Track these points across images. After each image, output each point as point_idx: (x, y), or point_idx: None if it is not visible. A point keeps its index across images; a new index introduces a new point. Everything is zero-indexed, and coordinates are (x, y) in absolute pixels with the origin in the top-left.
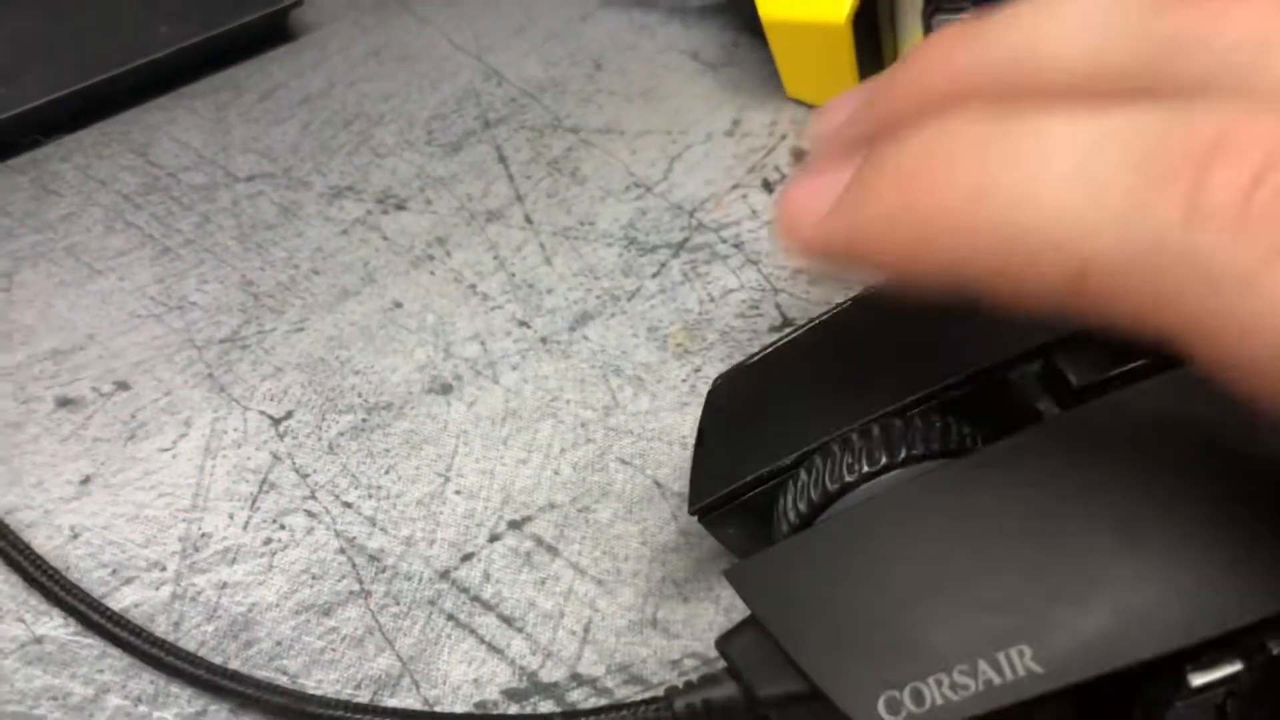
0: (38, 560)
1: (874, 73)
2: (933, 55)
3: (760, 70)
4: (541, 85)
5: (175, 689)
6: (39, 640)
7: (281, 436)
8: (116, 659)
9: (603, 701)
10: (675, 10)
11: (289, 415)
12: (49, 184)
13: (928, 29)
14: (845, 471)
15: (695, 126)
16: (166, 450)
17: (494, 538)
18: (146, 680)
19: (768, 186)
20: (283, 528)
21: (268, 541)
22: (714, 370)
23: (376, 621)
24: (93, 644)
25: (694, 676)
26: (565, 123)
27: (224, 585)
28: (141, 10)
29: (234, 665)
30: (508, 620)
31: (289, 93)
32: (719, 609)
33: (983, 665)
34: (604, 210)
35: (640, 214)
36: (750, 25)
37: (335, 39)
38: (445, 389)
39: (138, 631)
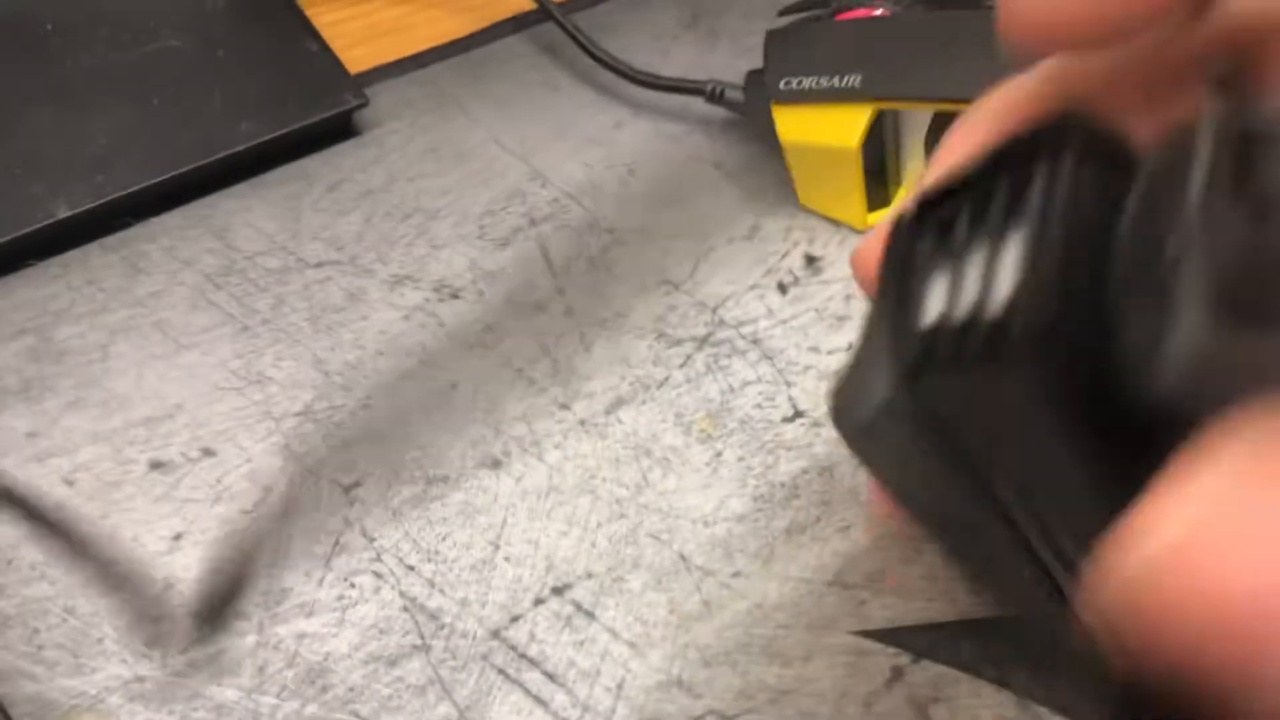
0: None
1: (880, 189)
2: None
3: (776, 180)
4: (581, 188)
5: None
6: (140, 679)
7: (351, 503)
8: (208, 699)
9: None
10: (700, 122)
11: (357, 484)
12: (138, 263)
13: (930, 154)
14: None
15: (718, 230)
16: (248, 512)
17: (539, 601)
18: (235, 718)
19: (782, 289)
20: (353, 586)
21: (340, 598)
22: (734, 455)
23: (437, 674)
24: (188, 685)
25: None
26: (602, 223)
27: (302, 635)
28: (223, 107)
29: (311, 709)
30: (551, 676)
31: (353, 185)
32: (736, 672)
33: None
34: (637, 305)
35: (669, 309)
36: (768, 139)
37: (395, 137)
38: (495, 464)
39: None
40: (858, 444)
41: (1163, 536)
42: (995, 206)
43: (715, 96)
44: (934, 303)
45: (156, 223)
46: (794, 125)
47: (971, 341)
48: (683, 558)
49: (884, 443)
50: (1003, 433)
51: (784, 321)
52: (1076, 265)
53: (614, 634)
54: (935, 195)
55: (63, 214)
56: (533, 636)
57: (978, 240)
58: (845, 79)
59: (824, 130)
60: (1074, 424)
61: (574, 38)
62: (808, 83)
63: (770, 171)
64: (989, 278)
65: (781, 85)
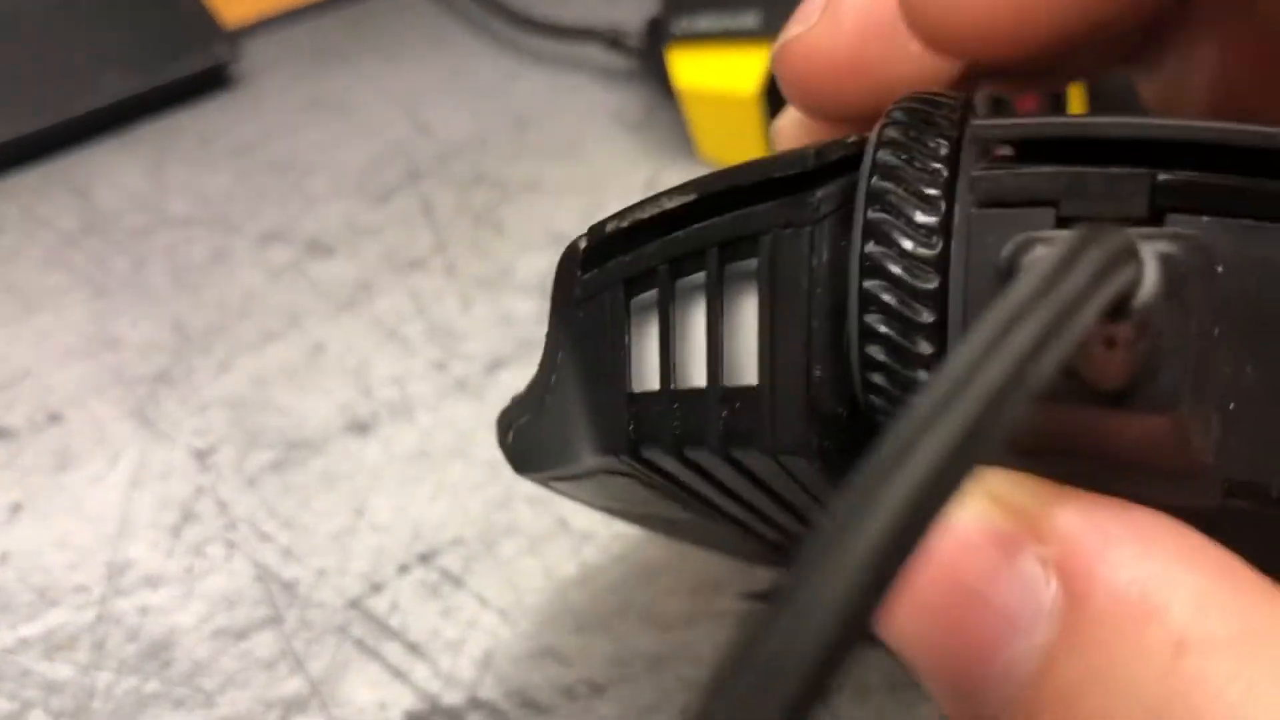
0: None
1: None
2: None
3: (676, 132)
4: (469, 141)
5: (96, 704)
6: None
7: (205, 470)
8: (40, 676)
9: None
10: (600, 72)
11: (213, 450)
12: None
13: None
14: None
15: (613, 183)
16: (95, 480)
17: (403, 569)
18: (69, 696)
19: None
20: (203, 556)
21: (188, 569)
22: None
23: (289, 646)
24: (18, 662)
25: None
26: (490, 177)
27: (145, 609)
28: (86, 60)
29: (151, 684)
30: (412, 647)
31: (226, 140)
32: (611, 639)
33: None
34: (523, 262)
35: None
36: (668, 91)
37: (272, 90)
38: (363, 428)
39: None
40: (542, 483)
41: None
42: (710, 260)
43: (614, 43)
44: (647, 367)
45: (14, 180)
46: (690, 70)
47: (697, 423)
48: (562, 522)
49: (587, 482)
50: (726, 481)
51: None
52: (796, 334)
53: (483, 601)
54: (623, 230)
55: None
56: (395, 606)
57: (692, 297)
58: (742, 17)
59: (721, 75)
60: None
61: None
62: (704, 22)
63: (670, 123)
64: (715, 349)
65: (678, 25)
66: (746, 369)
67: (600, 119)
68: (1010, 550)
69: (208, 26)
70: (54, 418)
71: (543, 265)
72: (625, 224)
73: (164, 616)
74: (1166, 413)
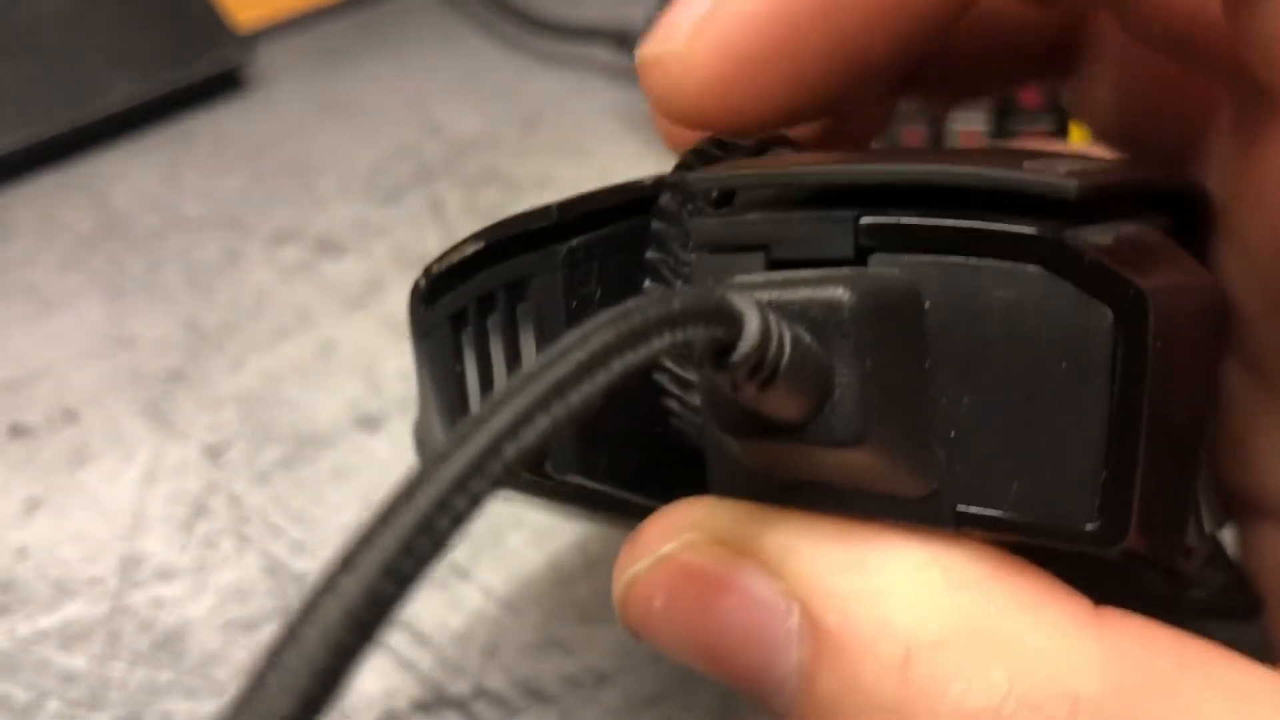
0: None
1: None
2: None
3: None
4: (479, 140)
5: (111, 694)
6: None
7: (218, 465)
8: (57, 667)
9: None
10: (608, 72)
11: (225, 446)
12: (10, 226)
13: None
14: None
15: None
16: (110, 476)
17: None
18: (84, 686)
19: None
20: (216, 550)
21: (201, 562)
22: None
23: None
24: (35, 653)
25: None
26: (500, 176)
27: (159, 601)
28: (101, 65)
29: (165, 675)
30: (420, 637)
31: (238, 143)
32: (616, 629)
33: None
34: None
35: None
36: None
37: (284, 92)
38: (373, 425)
39: None
40: None
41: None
42: (500, 300)
43: (622, 43)
44: (475, 395)
45: (31, 185)
46: None
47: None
48: (566, 515)
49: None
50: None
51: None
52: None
53: (489, 593)
54: (440, 273)
55: None
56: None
57: (493, 337)
58: None
59: None
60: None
61: None
62: None
63: None
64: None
65: None
66: None
67: (608, 118)
68: (739, 584)
69: (220, 31)
70: (70, 415)
71: None
72: (444, 266)
73: (177, 609)
74: (852, 446)
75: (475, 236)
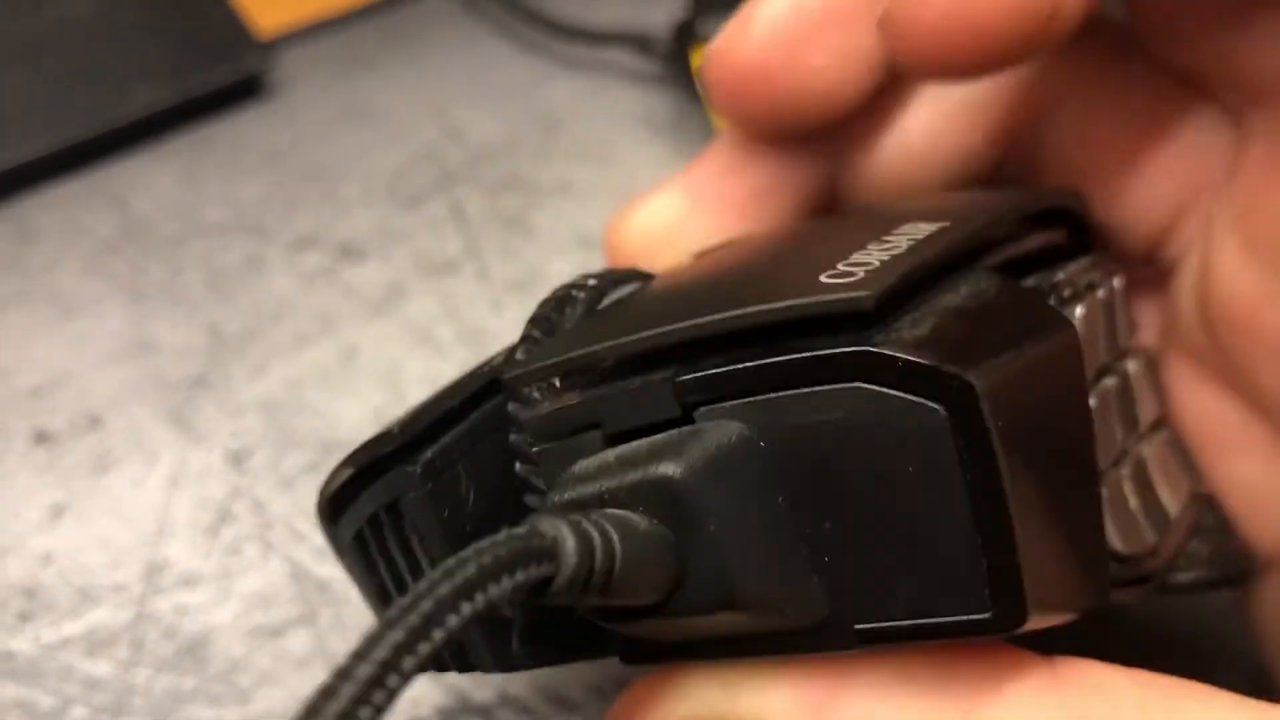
0: None
1: None
2: None
3: (704, 135)
4: (500, 146)
5: (136, 700)
6: (10, 655)
7: (242, 472)
8: (81, 673)
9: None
10: (628, 76)
11: (249, 452)
12: (32, 233)
13: None
14: None
15: (642, 186)
16: (134, 482)
17: None
18: (109, 692)
19: None
20: (239, 556)
21: (225, 568)
22: None
23: (323, 644)
24: (60, 659)
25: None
26: (520, 181)
27: (183, 608)
28: (122, 72)
29: (188, 682)
30: None
31: (259, 149)
32: None
33: None
34: (553, 264)
35: (586, 268)
36: (697, 94)
37: (304, 98)
38: None
39: None
40: None
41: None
42: (383, 520)
43: (642, 47)
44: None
45: (53, 191)
46: None
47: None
48: None
49: None
50: None
51: None
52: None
53: None
54: (326, 502)
55: None
56: None
57: (394, 552)
58: None
59: None
60: None
61: None
62: None
63: (699, 125)
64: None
65: (705, 27)
66: None
67: (629, 122)
68: None
69: (241, 37)
70: (94, 421)
71: (572, 268)
72: (328, 493)
73: (201, 615)
74: (720, 609)
75: (344, 463)
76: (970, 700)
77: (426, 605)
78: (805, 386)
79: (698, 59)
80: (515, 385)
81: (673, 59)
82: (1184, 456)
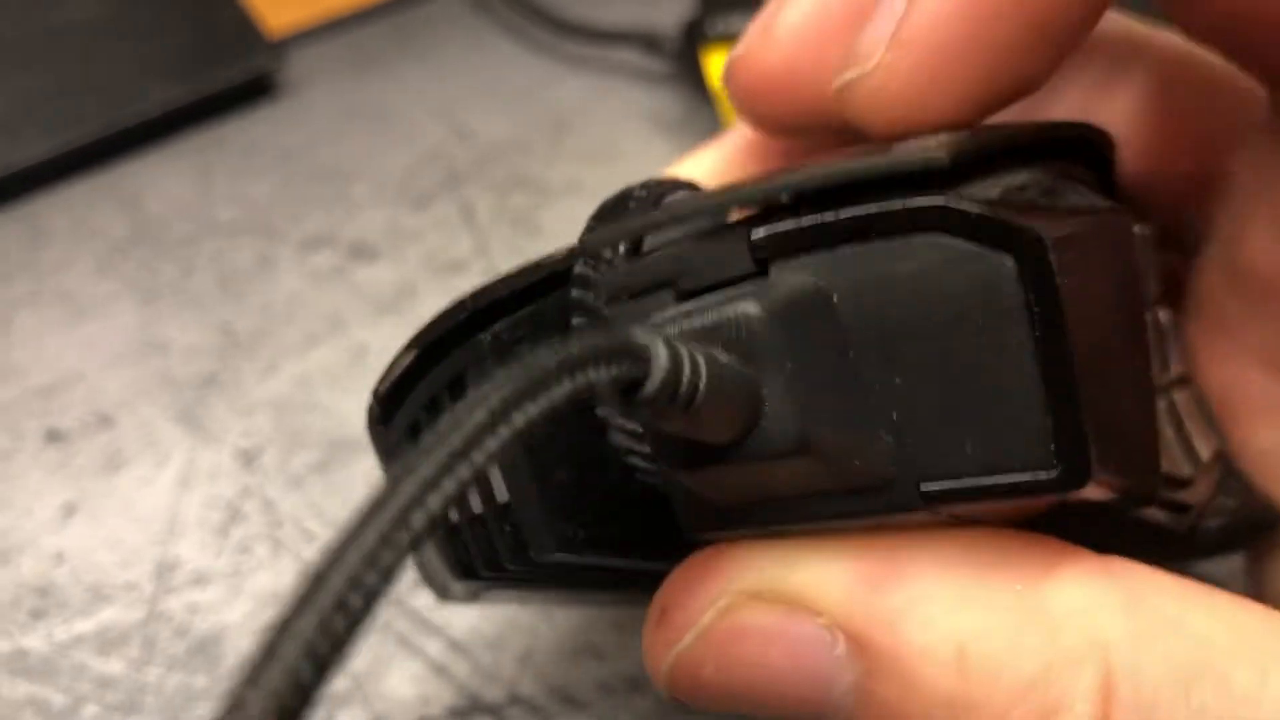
0: None
1: None
2: None
3: (713, 134)
4: (509, 145)
5: (148, 699)
6: (23, 653)
7: (252, 470)
8: (94, 672)
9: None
10: (636, 75)
11: (259, 451)
12: (43, 233)
13: None
14: None
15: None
16: (145, 481)
17: None
18: (121, 691)
19: None
20: (250, 555)
21: (236, 567)
22: None
23: None
24: (73, 657)
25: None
26: (529, 181)
27: (194, 606)
28: (133, 72)
29: (200, 680)
30: (454, 644)
31: (269, 148)
32: None
33: None
34: None
35: None
36: (706, 92)
37: (314, 98)
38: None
39: None
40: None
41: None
42: (444, 402)
43: (651, 46)
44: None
45: (64, 191)
46: None
47: (489, 545)
48: None
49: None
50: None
51: None
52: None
53: (523, 600)
54: (386, 390)
55: None
56: (436, 603)
57: None
58: None
59: None
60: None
61: None
62: (740, 24)
63: (708, 124)
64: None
65: (713, 26)
66: (501, 488)
67: (638, 121)
68: (786, 631)
69: (252, 37)
70: (105, 421)
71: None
72: (388, 384)
73: (212, 614)
74: (795, 453)
75: (408, 346)
76: (1027, 579)
77: (532, 372)
78: (879, 239)
79: (706, 58)
80: (592, 246)
81: (681, 58)
82: (1208, 417)
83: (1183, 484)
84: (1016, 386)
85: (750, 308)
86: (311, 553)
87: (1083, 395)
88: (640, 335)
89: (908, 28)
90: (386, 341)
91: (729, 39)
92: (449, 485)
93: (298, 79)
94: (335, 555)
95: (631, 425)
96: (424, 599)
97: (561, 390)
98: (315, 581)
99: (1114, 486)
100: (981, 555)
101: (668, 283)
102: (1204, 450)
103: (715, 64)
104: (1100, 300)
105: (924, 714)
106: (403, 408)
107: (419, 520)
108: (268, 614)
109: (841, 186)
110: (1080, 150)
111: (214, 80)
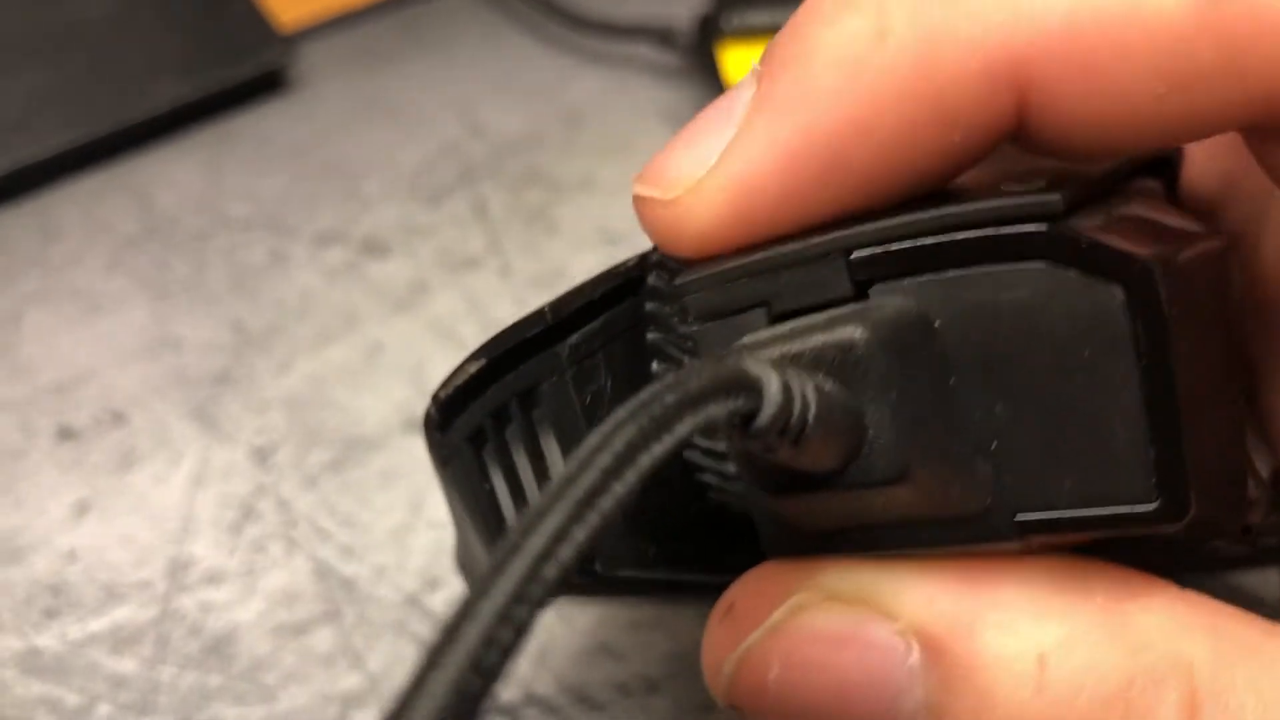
0: None
1: None
2: None
3: None
4: (522, 141)
5: (161, 698)
6: (36, 652)
7: (266, 469)
8: (107, 671)
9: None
10: (652, 70)
11: (273, 449)
12: (54, 228)
13: None
14: None
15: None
16: (158, 479)
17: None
18: (134, 690)
19: None
20: (264, 553)
21: (249, 566)
22: None
23: (348, 642)
24: (86, 656)
25: None
26: (543, 176)
27: (208, 605)
28: (144, 66)
29: (214, 679)
30: None
31: (281, 143)
32: (667, 635)
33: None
34: (576, 261)
35: (610, 264)
36: (720, 87)
37: (326, 93)
38: (420, 428)
39: None
40: None
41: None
42: (514, 411)
43: (666, 41)
44: (509, 508)
45: (75, 186)
46: (742, 66)
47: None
48: None
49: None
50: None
51: None
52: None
53: None
54: (449, 396)
55: None
56: (452, 602)
57: (515, 450)
58: (793, 11)
59: None
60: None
61: None
62: (755, 18)
63: None
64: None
65: (729, 21)
66: None
67: (652, 117)
68: (859, 635)
69: (263, 31)
70: (118, 418)
71: (596, 264)
72: (450, 390)
73: (226, 613)
74: (897, 482)
75: (475, 355)
76: (1110, 596)
77: (653, 411)
78: (983, 265)
79: (721, 53)
80: (683, 292)
81: (696, 53)
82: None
83: (1248, 505)
84: (1119, 418)
85: (855, 332)
86: (326, 552)
87: (1185, 428)
88: (753, 366)
89: (713, 177)
90: (400, 339)
91: (744, 33)
92: (579, 534)
93: (309, 74)
94: (465, 612)
95: (715, 446)
96: (440, 598)
97: (683, 428)
98: (448, 635)
99: (1206, 520)
100: (1064, 573)
101: (760, 303)
102: (1263, 469)
103: (730, 59)
104: (1202, 329)
105: None
106: (463, 414)
107: (551, 572)
108: (281, 613)
109: (949, 231)
110: (1153, 167)
111: (225, 75)
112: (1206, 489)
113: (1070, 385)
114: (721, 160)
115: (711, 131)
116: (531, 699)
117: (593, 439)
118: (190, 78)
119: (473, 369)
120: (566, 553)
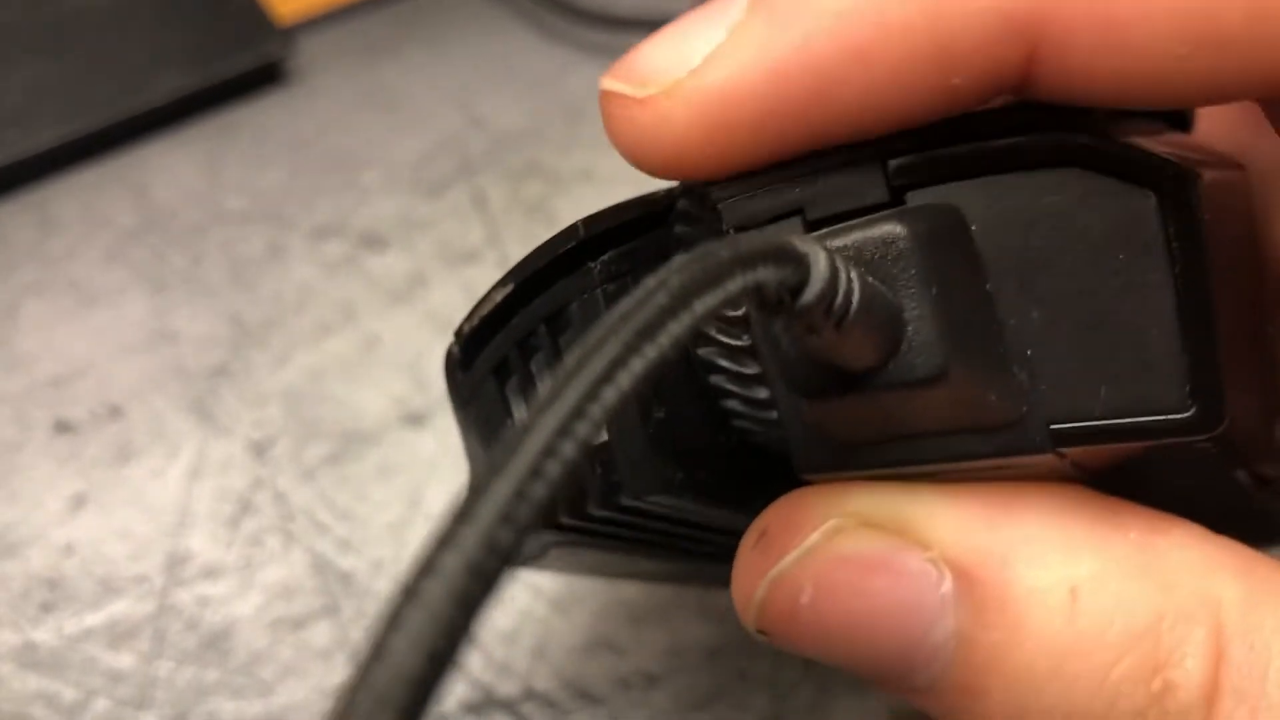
0: None
1: None
2: None
3: None
4: (522, 133)
5: (158, 693)
6: (33, 646)
7: (263, 462)
8: (104, 665)
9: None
10: None
11: (270, 442)
12: (52, 220)
13: None
14: None
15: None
16: (155, 473)
17: None
18: (131, 684)
19: None
20: (261, 547)
21: (247, 560)
22: None
23: (346, 636)
24: (83, 651)
25: None
26: (543, 169)
27: (205, 599)
28: (142, 59)
29: (211, 674)
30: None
31: (280, 136)
32: (666, 630)
33: None
34: None
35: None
36: None
37: (325, 85)
38: (418, 421)
39: None
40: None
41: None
42: (541, 336)
43: None
44: None
45: (73, 178)
46: None
47: (579, 486)
48: None
49: (551, 558)
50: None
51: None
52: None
53: (537, 592)
54: (474, 329)
55: None
56: None
57: (542, 380)
58: None
59: None
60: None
61: None
62: None
63: None
64: None
65: None
66: None
67: None
68: (892, 562)
69: (261, 24)
70: (115, 411)
71: None
72: (475, 322)
73: (223, 607)
74: (937, 381)
75: (502, 281)
76: (1140, 533)
77: (709, 261)
78: (1020, 172)
79: None
80: (717, 200)
81: None
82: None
83: (1276, 458)
84: (1154, 325)
85: (896, 228)
86: (324, 545)
87: (1220, 338)
88: (801, 244)
89: (694, 81)
90: (399, 331)
91: None
92: (637, 365)
93: (307, 66)
94: (541, 407)
95: (742, 368)
96: None
97: (736, 284)
98: (522, 432)
99: (1238, 433)
100: (1096, 508)
101: (795, 210)
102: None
103: None
104: (1230, 245)
105: (1028, 662)
106: (488, 347)
107: (610, 396)
108: (279, 607)
109: (969, 119)
110: (1166, 117)
111: (223, 67)
112: (1239, 401)
113: (1105, 293)
114: (706, 63)
115: (699, 31)
116: (531, 693)
117: (650, 280)
118: (189, 70)
119: (500, 296)
120: (625, 380)
